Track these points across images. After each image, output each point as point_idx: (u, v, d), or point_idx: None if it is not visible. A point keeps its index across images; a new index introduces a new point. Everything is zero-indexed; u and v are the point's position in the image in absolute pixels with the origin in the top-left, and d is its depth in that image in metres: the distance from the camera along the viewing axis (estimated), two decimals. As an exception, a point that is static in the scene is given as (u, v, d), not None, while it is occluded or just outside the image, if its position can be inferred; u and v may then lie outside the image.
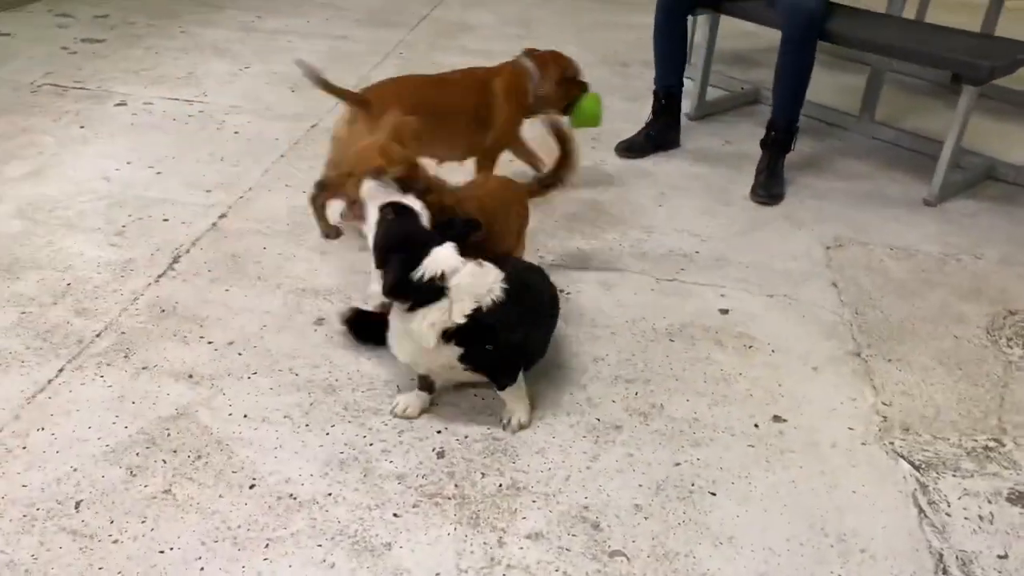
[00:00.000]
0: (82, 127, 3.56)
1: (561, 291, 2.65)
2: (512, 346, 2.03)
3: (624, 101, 4.16)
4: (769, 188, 3.34)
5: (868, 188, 3.49)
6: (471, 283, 1.93)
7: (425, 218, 2.04)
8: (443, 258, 1.92)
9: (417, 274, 1.88)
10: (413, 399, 2.13)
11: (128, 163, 3.29)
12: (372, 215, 2.04)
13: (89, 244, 2.74)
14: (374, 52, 4.71)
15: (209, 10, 5.28)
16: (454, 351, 1.95)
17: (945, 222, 3.26)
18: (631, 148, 3.59)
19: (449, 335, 1.92)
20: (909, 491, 2.00)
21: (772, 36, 3.46)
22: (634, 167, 3.54)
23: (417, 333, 1.92)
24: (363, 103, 2.64)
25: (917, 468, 2.06)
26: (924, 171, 3.51)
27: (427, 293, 1.89)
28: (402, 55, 4.71)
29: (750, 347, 2.47)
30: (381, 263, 1.97)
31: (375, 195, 2.06)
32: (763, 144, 3.46)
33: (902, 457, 2.10)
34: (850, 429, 2.18)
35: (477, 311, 1.92)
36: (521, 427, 2.11)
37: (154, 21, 4.99)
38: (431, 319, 1.90)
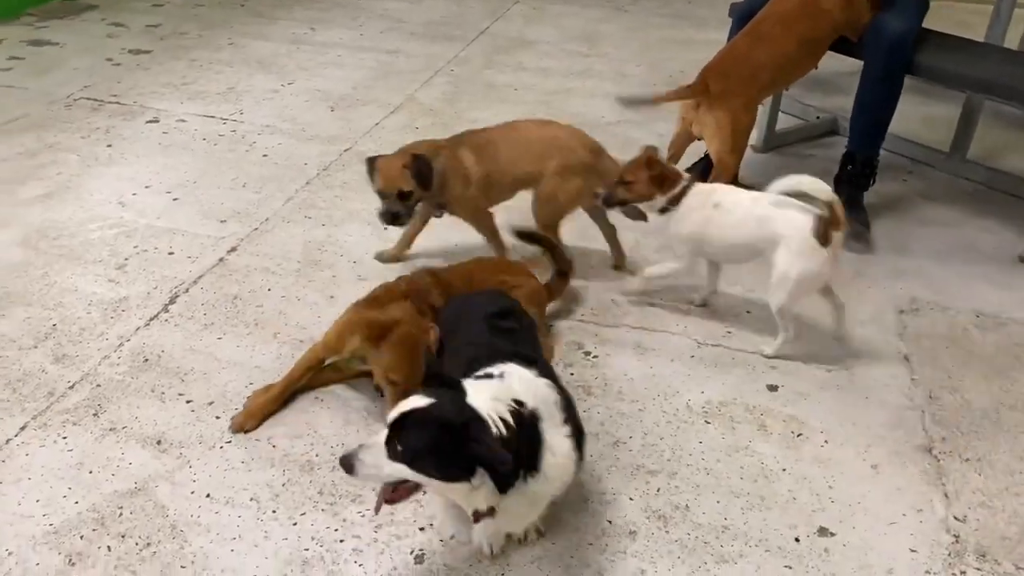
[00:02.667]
0: (109, 145, 3.44)
1: (587, 353, 2.37)
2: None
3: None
4: (858, 214, 3.00)
5: (955, 239, 3.08)
6: (538, 393, 1.58)
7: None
8: (492, 393, 1.50)
9: (498, 430, 1.44)
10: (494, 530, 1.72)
11: (147, 187, 3.13)
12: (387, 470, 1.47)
13: (86, 278, 2.58)
14: (425, 68, 4.48)
15: (262, 21, 5.15)
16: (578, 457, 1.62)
17: (1044, 284, 2.83)
18: (686, 185, 3.25)
19: (574, 448, 1.60)
20: (982, 642, 1.64)
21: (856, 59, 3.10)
22: (687, 206, 3.20)
23: (560, 475, 1.56)
24: (702, 90, 2.88)
25: (993, 609, 1.70)
26: (1022, 220, 3.07)
27: (530, 435, 1.50)
28: (453, 71, 4.47)
29: (799, 435, 2.13)
30: (455, 475, 1.45)
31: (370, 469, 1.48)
32: (838, 180, 3.09)
33: (975, 593, 1.73)
34: (912, 552, 1.82)
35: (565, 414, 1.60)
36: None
37: (204, 31, 4.88)
38: (560, 451, 1.54)
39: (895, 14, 2.90)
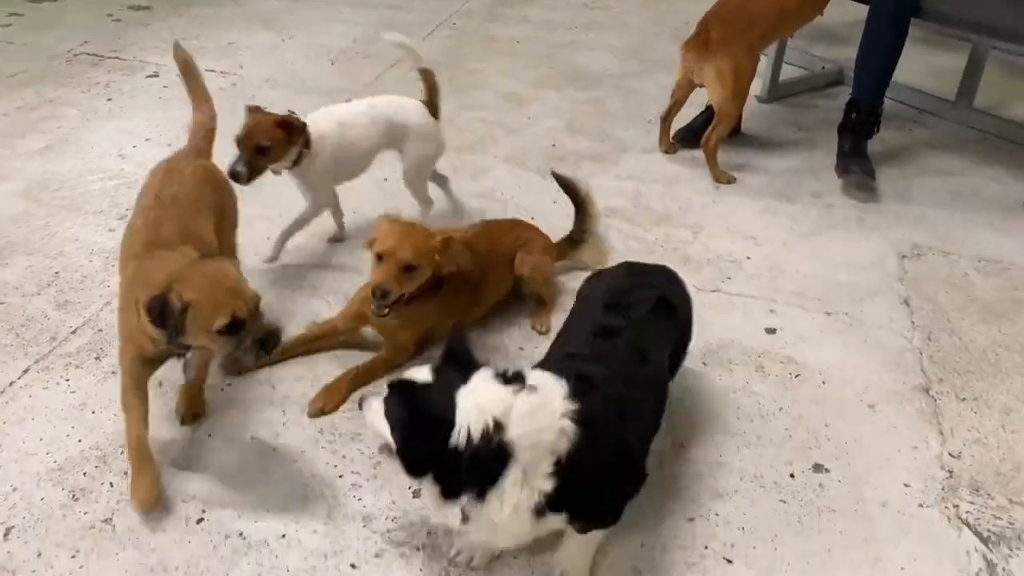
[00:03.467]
0: (109, 100, 3.43)
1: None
2: (622, 471, 1.48)
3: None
4: (862, 163, 2.97)
5: (959, 186, 3.06)
6: (535, 428, 1.33)
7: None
8: (483, 399, 1.32)
9: (456, 440, 1.29)
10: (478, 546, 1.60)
11: (147, 140, 3.13)
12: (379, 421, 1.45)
13: (87, 229, 2.59)
14: (427, 22, 4.44)
15: (263, -24, 5.10)
16: (561, 517, 1.40)
17: (1048, 230, 2.81)
18: (687, 138, 3.22)
19: (544, 506, 1.35)
20: (972, 571, 1.65)
21: (861, 7, 3.06)
22: (689, 156, 3.18)
23: (505, 524, 1.35)
24: (704, 38, 2.92)
25: (985, 541, 1.71)
26: (1027, 168, 3.05)
27: (487, 463, 1.31)
28: (455, 24, 4.43)
29: (797, 376, 2.13)
30: (411, 463, 1.37)
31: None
32: (842, 128, 3.07)
33: (967, 525, 1.74)
34: (906, 486, 1.83)
35: (560, 464, 1.34)
36: None
37: (205, -13, 4.83)
38: (510, 502, 1.33)
39: (900, -43, 2.86)
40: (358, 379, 2.02)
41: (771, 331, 2.28)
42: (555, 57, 4.07)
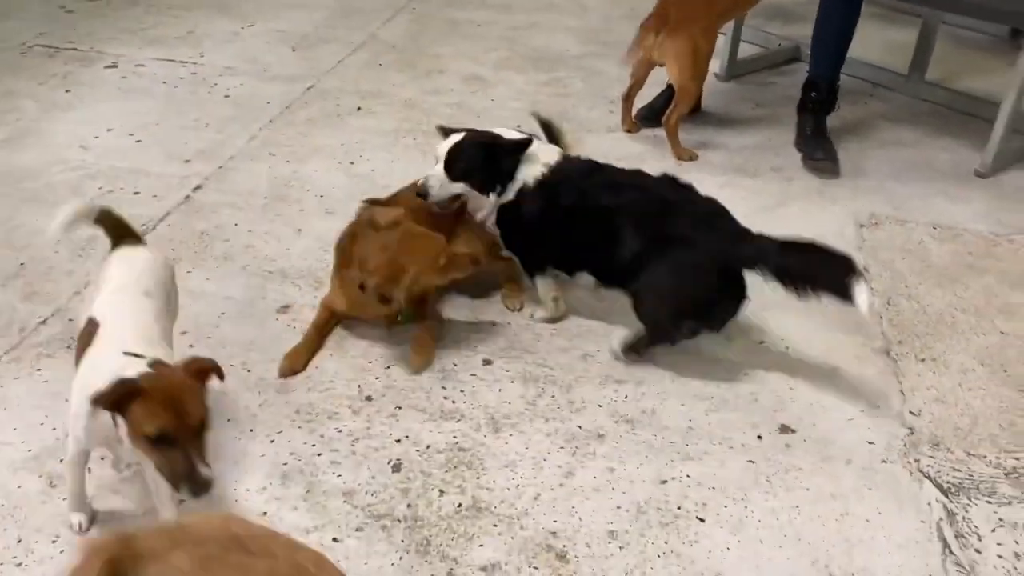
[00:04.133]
0: (68, 91, 3.38)
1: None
2: None
3: (648, 60, 3.82)
4: (827, 150, 3.02)
5: (913, 157, 3.14)
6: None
7: None
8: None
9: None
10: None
11: (109, 130, 3.10)
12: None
13: (52, 221, 2.55)
14: (386, 7, 4.42)
15: (219, -35, 5.05)
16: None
17: (998, 197, 2.90)
18: (648, 117, 3.26)
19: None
20: (934, 521, 1.72)
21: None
22: (651, 135, 3.23)
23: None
24: (662, 20, 2.96)
25: (945, 492, 1.79)
26: (978, 138, 3.13)
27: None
28: (415, 9, 4.42)
29: (761, 343, 2.19)
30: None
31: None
32: (801, 107, 3.13)
33: (928, 478, 1.82)
34: (870, 444, 1.90)
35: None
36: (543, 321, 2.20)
37: (160, -23, 4.77)
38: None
39: (850, -67, 2.92)
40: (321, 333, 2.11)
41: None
42: (516, 40, 4.09)
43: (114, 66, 3.62)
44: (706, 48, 3.01)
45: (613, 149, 3.12)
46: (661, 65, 3.07)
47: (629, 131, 3.24)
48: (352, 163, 2.94)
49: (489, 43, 4.04)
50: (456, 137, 2.17)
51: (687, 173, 2.95)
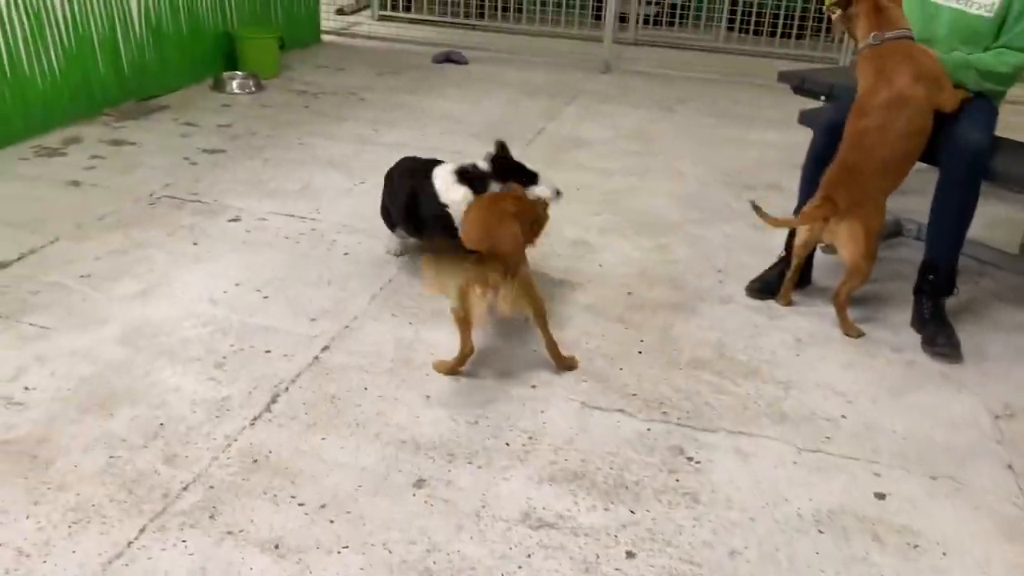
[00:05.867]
0: (195, 243, 3.53)
1: (689, 459, 2.36)
2: None
3: (750, 230, 3.89)
4: (949, 336, 2.98)
5: (1036, 342, 3.09)
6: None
7: None
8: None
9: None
10: None
11: (236, 285, 3.20)
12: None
13: (187, 377, 2.62)
14: (488, 168, 4.59)
15: (328, 121, 5.34)
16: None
17: None
18: (765, 289, 3.28)
19: None
20: None
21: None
22: (765, 307, 3.24)
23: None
24: (830, 207, 2.97)
25: None
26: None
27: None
28: (516, 172, 4.58)
29: (915, 547, 2.10)
30: None
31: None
32: (918, 290, 3.12)
33: None
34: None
35: None
36: None
37: (274, 132, 5.06)
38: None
39: (971, 124, 2.97)
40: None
41: (880, 496, 2.26)
42: (618, 203, 4.20)
43: (237, 219, 3.78)
44: (878, 226, 3.01)
45: (729, 319, 3.13)
46: (825, 244, 3.14)
47: (786, 305, 3.24)
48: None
49: (589, 206, 4.15)
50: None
51: (809, 349, 2.93)
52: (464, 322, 2.60)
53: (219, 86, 5.89)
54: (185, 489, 2.16)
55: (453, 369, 2.70)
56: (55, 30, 4.78)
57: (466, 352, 2.68)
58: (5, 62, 4.48)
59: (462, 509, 2.14)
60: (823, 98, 4.06)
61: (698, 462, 2.36)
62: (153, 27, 5.55)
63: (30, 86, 4.65)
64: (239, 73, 5.98)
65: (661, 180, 4.58)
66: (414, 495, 2.18)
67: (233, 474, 2.22)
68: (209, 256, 3.43)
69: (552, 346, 2.73)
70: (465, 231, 2.84)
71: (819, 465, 2.38)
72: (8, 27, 4.47)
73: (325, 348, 2.81)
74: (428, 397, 2.59)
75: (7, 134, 4.54)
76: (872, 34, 3.01)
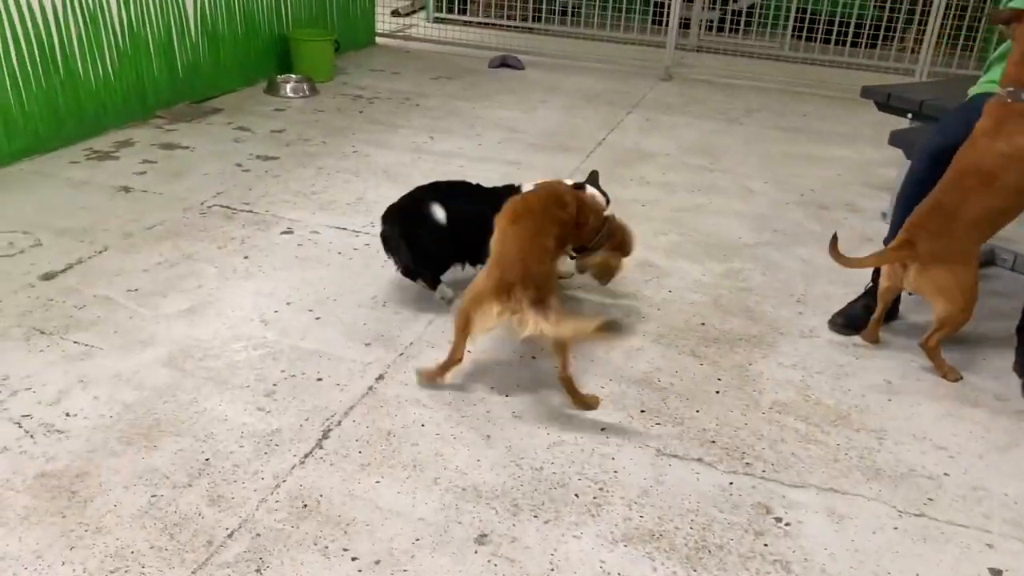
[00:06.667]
0: (246, 257, 3.39)
1: (777, 520, 2.14)
2: None
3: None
4: None
5: None
6: None
7: None
8: None
9: None
10: None
11: (288, 304, 3.05)
12: None
13: (235, 406, 2.47)
14: (548, 180, 4.40)
15: (382, 128, 5.20)
16: None
17: None
18: (849, 324, 3.03)
19: None
20: None
21: None
22: (850, 344, 2.99)
23: None
24: (908, 250, 2.71)
25: None
26: None
27: None
28: (577, 186, 4.38)
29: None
30: None
31: None
32: (1021, 329, 2.85)
33: None
34: None
35: None
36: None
37: (328, 138, 4.93)
38: None
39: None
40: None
41: (996, 573, 2.02)
42: (683, 222, 3.98)
43: (290, 232, 3.64)
44: (972, 278, 2.68)
45: (811, 357, 2.90)
46: (910, 293, 2.89)
47: (874, 343, 2.99)
48: (534, 357, 2.79)
49: (653, 225, 3.93)
50: None
51: (902, 394, 2.67)
52: (463, 330, 2.46)
53: (272, 89, 5.79)
54: (230, 536, 2.00)
55: (434, 377, 2.56)
56: (110, 32, 4.70)
57: (455, 359, 2.54)
58: (60, 63, 4.40)
59: (529, 571, 1.95)
60: (910, 115, 3.81)
61: (787, 523, 2.14)
62: (208, 29, 5.46)
63: (84, 87, 4.58)
64: (293, 76, 5.87)
65: (729, 198, 4.35)
66: (476, 552, 2.00)
67: (281, 520, 2.05)
68: (260, 272, 3.29)
69: (567, 381, 2.50)
70: (499, 244, 2.52)
71: (923, 533, 2.14)
72: (64, 28, 4.39)
73: (379, 377, 2.64)
74: (488, 437, 2.40)
75: (60, 136, 4.46)
76: (1010, 89, 2.63)
